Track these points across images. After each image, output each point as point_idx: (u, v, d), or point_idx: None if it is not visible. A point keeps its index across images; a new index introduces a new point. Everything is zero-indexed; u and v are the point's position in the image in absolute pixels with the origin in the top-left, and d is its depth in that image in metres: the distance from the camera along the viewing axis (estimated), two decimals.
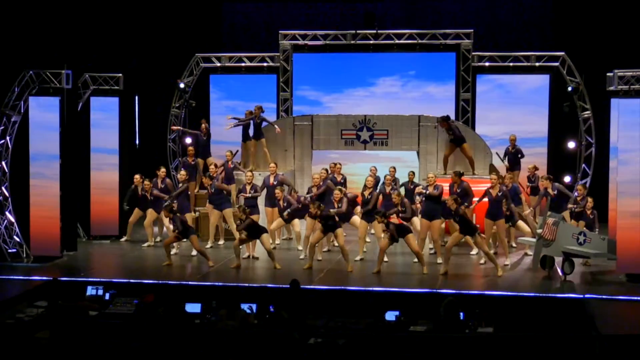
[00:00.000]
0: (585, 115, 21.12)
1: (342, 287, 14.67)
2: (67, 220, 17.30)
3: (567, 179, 20.31)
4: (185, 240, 16.88)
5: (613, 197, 16.15)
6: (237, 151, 19.82)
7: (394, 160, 20.50)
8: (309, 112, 21.74)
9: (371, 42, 22.26)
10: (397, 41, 22.18)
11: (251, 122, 19.81)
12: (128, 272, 15.98)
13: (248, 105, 20.19)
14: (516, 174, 18.78)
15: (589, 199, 16.66)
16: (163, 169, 18.56)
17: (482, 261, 16.38)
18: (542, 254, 15.61)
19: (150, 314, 11.49)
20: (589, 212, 16.53)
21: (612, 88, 16.07)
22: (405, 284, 14.95)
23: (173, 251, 17.25)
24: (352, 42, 22.26)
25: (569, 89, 20.88)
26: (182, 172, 18.11)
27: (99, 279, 14.85)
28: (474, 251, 17.33)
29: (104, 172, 19.14)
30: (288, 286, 13.04)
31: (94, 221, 19.18)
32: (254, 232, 16.05)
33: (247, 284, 14.88)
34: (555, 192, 17.08)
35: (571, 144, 21.18)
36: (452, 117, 21.16)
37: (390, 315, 12.83)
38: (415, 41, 22.10)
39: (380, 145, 20.56)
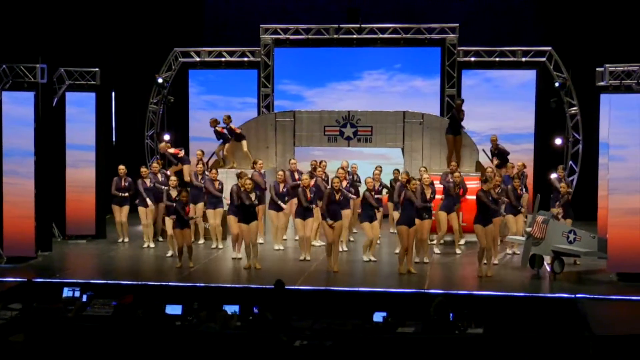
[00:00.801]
0: (573, 112, 20.95)
1: (328, 288, 14.33)
2: (42, 220, 16.89)
3: (553, 176, 19.93)
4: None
5: (603, 195, 15.90)
6: (214, 154, 19.53)
7: (378, 157, 20.21)
8: (291, 107, 21.42)
9: (354, 36, 21.99)
10: (381, 35, 21.89)
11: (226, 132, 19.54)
12: (105, 272, 15.58)
13: (228, 100, 19.83)
14: (505, 169, 18.42)
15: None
16: (155, 164, 18.37)
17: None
18: (532, 253, 15.26)
19: (129, 316, 11.06)
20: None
21: (602, 83, 15.80)
22: (392, 284, 14.62)
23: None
24: (335, 36, 21.98)
25: (556, 84, 20.71)
26: (174, 178, 17.62)
27: (75, 280, 14.43)
28: (459, 250, 17.19)
29: (80, 170, 18.67)
30: (272, 287, 12.71)
31: (69, 220, 18.70)
32: (250, 214, 15.76)
33: (229, 285, 14.52)
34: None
35: (558, 141, 20.93)
36: (437, 113, 20.90)
37: (378, 316, 12.48)
38: (399, 35, 21.83)
39: (364, 142, 20.21)
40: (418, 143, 19.95)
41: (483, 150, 19.66)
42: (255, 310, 12.25)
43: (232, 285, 14.45)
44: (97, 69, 18.64)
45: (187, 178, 18.65)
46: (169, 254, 16.82)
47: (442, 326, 10.41)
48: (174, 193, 16.67)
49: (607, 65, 15.55)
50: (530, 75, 21.70)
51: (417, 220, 15.64)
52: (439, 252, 17.11)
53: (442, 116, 21.04)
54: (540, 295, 14.11)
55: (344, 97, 22.25)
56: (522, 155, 20.11)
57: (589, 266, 15.97)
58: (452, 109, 20.33)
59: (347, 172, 17.32)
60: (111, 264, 16.42)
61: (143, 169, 18.07)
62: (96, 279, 14.84)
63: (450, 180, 17.15)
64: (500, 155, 19.29)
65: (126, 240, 18.28)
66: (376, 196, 16.37)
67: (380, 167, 17.70)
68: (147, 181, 17.84)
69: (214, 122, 19.40)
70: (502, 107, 21.64)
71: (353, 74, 22.48)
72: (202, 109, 22.62)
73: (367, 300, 13.70)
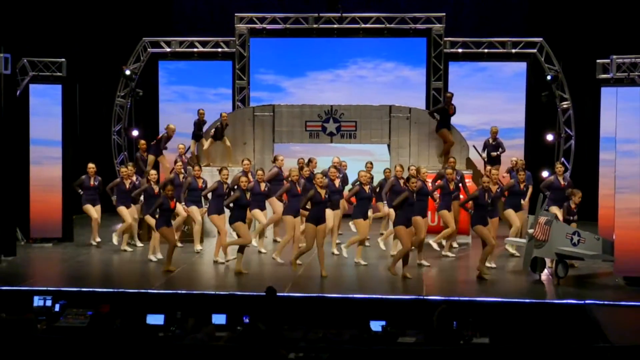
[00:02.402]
0: (565, 106, 20.21)
1: (320, 295, 13.35)
2: (4, 222, 15.86)
3: (545, 173, 19.20)
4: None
5: (606, 194, 15.13)
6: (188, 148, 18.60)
7: (362, 154, 19.31)
8: (269, 98, 20.54)
9: (335, 26, 21.07)
10: (363, 25, 20.99)
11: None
12: (78, 279, 14.38)
13: (200, 91, 18.97)
14: (496, 167, 17.58)
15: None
16: (130, 166, 17.25)
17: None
18: (533, 256, 14.42)
19: (106, 326, 10.30)
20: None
21: (608, 75, 15.01)
22: (386, 290, 13.67)
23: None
24: (315, 26, 21.04)
25: (548, 77, 20.01)
26: (153, 171, 16.48)
27: (46, 288, 13.27)
28: (451, 253, 16.36)
29: (45, 167, 17.53)
30: (263, 294, 11.77)
31: (33, 222, 17.53)
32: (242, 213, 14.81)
33: (214, 292, 13.45)
34: (566, 184, 15.89)
35: (549, 137, 20.18)
36: (423, 106, 20.00)
37: (376, 326, 11.66)
38: (383, 25, 20.97)
39: (348, 137, 19.30)
40: (405, 139, 19.03)
41: (474, 146, 18.81)
42: (246, 320, 11.44)
43: (218, 293, 13.38)
44: (63, 60, 17.64)
45: (166, 165, 17.77)
46: (154, 257, 15.67)
47: (445, 336, 9.52)
48: (155, 188, 15.72)
49: (614, 56, 14.76)
50: (522, 66, 21.02)
51: (414, 220, 14.69)
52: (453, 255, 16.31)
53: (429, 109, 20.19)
54: (547, 301, 13.24)
55: (325, 88, 21.38)
56: (512, 152, 19.34)
57: (591, 269, 15.22)
58: (439, 103, 19.50)
59: (339, 170, 16.29)
60: (83, 270, 15.24)
61: (123, 169, 17.01)
62: (68, 286, 13.66)
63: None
64: (494, 149, 18.37)
65: (98, 239, 17.14)
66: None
67: (371, 162, 16.70)
68: (127, 183, 16.70)
69: (202, 114, 18.69)
70: (493, 100, 20.94)
71: (336, 64, 21.57)
72: (172, 100, 21.64)
73: (362, 308, 12.80)
